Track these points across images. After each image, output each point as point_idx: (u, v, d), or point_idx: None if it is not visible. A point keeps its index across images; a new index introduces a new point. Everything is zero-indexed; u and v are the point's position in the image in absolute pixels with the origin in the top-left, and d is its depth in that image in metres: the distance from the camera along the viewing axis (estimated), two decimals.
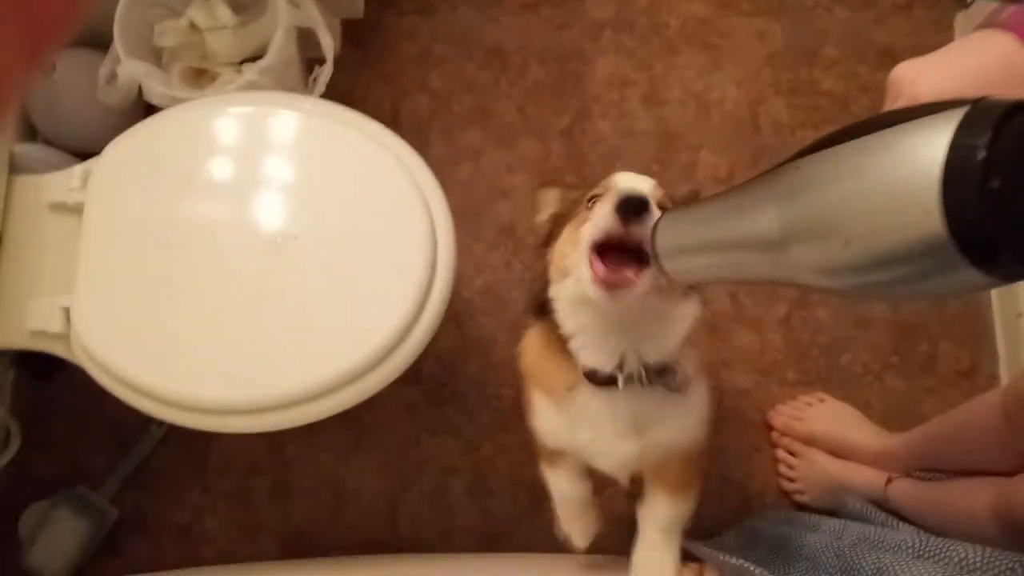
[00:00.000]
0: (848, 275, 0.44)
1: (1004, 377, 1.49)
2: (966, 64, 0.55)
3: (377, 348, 1.01)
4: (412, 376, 1.03)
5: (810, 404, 1.47)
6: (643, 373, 0.84)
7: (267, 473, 1.45)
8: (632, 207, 0.73)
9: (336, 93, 1.48)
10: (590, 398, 0.88)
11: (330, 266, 1.05)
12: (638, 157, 1.65)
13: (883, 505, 1.31)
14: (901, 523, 1.18)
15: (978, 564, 0.84)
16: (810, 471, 1.41)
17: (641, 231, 0.72)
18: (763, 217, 0.48)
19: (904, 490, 1.30)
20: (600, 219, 0.76)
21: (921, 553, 0.89)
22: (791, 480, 1.43)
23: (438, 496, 1.44)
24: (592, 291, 0.76)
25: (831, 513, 1.37)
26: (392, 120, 1.66)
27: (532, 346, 0.95)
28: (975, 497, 1.12)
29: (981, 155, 0.37)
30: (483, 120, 1.68)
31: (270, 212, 1.07)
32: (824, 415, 1.44)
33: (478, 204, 1.61)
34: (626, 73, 1.72)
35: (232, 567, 1.32)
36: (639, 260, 0.73)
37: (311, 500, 1.44)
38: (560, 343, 0.86)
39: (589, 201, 0.84)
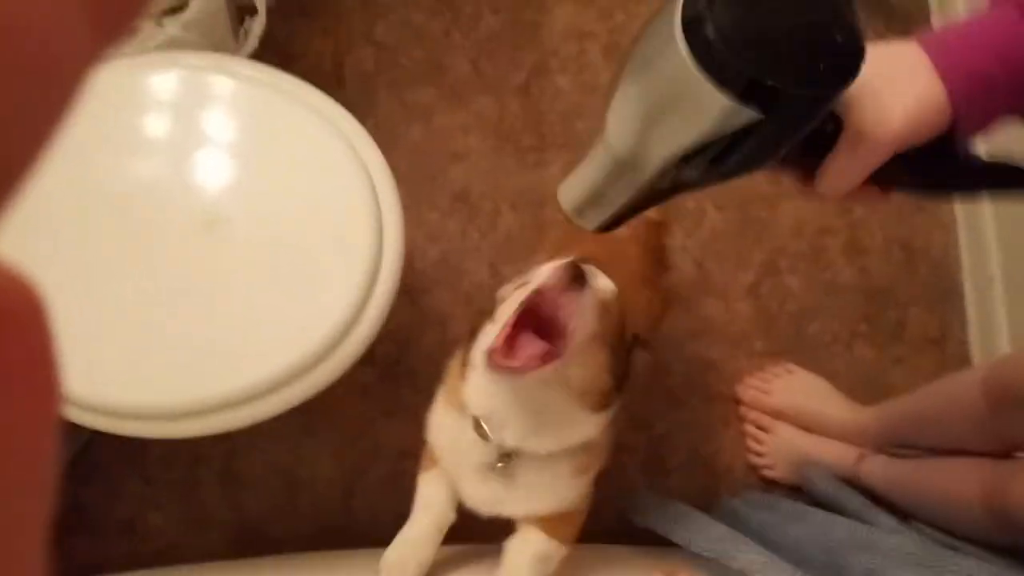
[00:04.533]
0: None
1: (974, 344, 1.47)
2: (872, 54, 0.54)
3: (324, 338, 0.93)
4: (364, 356, 0.96)
5: (778, 376, 1.43)
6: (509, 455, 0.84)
7: (213, 462, 1.36)
8: (577, 273, 0.74)
9: (272, 47, 1.35)
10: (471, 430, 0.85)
11: (269, 252, 0.95)
12: (599, 114, 1.55)
13: (853, 482, 1.29)
14: (877, 509, 1.15)
15: None
16: (779, 446, 1.37)
17: (573, 305, 0.74)
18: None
19: (877, 468, 1.27)
20: (542, 275, 0.75)
21: (921, 561, 0.85)
22: (759, 455, 1.39)
23: (395, 481, 1.36)
24: (482, 362, 0.76)
25: (799, 489, 1.35)
26: (335, 76, 1.53)
27: (458, 357, 0.93)
28: (960, 482, 1.09)
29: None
30: (434, 75, 1.55)
31: (203, 195, 0.95)
32: (793, 387, 1.40)
33: (431, 168, 1.50)
34: (585, 23, 1.61)
35: (181, 569, 1.24)
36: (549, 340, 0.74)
37: (262, 489, 1.35)
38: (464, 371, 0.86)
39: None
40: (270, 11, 1.32)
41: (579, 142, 1.54)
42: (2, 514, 0.15)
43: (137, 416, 0.93)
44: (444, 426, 0.92)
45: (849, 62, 0.46)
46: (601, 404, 0.81)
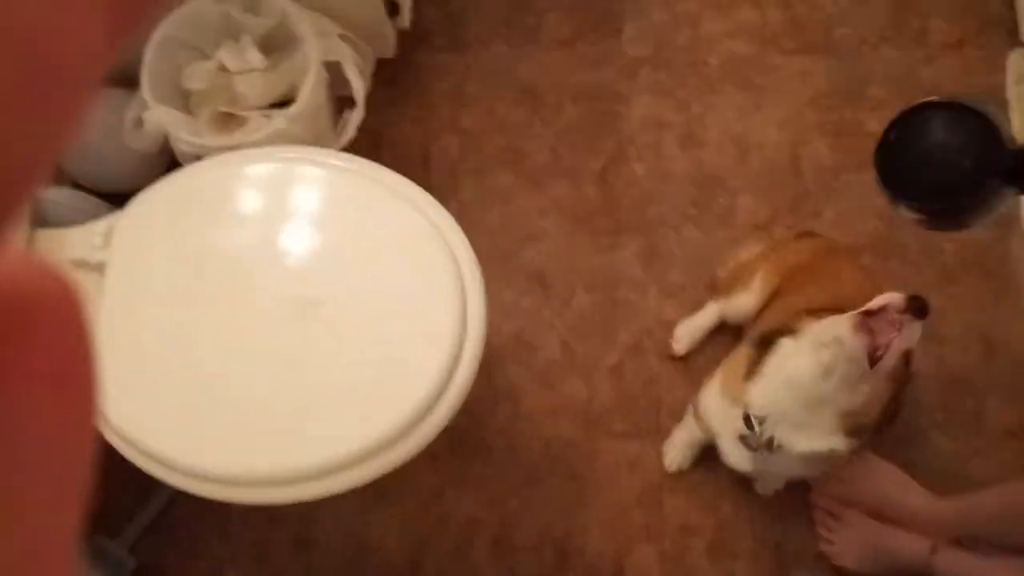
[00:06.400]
0: None
1: None
2: None
3: (405, 418, 0.98)
4: None
5: (852, 462, 1.41)
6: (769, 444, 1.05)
7: (288, 523, 1.42)
8: (921, 306, 0.94)
9: (366, 134, 1.46)
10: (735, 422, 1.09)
11: (356, 333, 1.02)
12: (674, 201, 1.60)
13: (926, 575, 1.26)
14: None
15: None
16: (850, 534, 1.35)
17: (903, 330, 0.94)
18: None
19: (955, 562, 1.24)
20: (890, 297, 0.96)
21: None
22: (830, 543, 1.36)
23: (461, 552, 1.40)
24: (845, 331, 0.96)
25: None
26: (422, 161, 1.64)
27: (741, 359, 1.12)
28: None
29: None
30: (515, 161, 1.64)
31: (296, 277, 1.04)
32: (868, 475, 1.38)
33: (508, 249, 1.57)
34: (663, 113, 1.68)
35: None
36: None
37: (332, 552, 1.40)
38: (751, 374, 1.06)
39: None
40: (366, 101, 1.43)
41: (652, 226, 1.59)
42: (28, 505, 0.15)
43: (221, 481, 0.99)
44: (715, 410, 1.17)
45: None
46: (856, 431, 1.01)
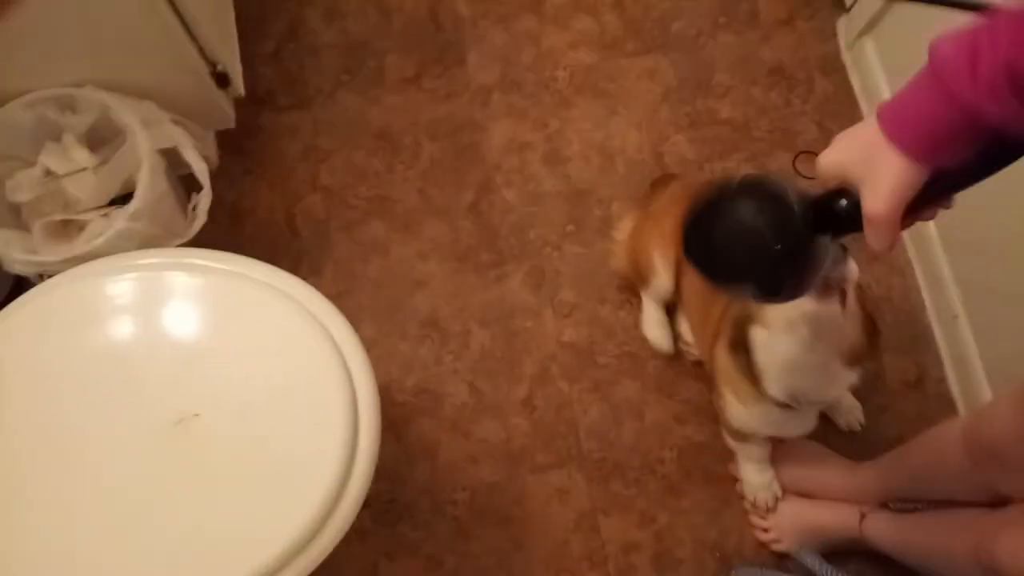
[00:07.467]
0: None
1: (952, 381, 1.48)
2: (849, 145, 0.67)
3: (311, 517, 0.91)
4: None
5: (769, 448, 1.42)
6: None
7: None
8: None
9: (224, 210, 1.39)
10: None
11: (244, 439, 0.94)
12: (551, 221, 1.59)
13: (860, 544, 1.28)
14: None
15: None
16: (782, 518, 1.36)
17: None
18: None
19: (880, 526, 1.27)
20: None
21: None
22: (765, 531, 1.38)
23: None
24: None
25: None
26: (288, 228, 1.57)
27: (727, 368, 1.16)
28: (956, 536, 1.09)
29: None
30: (384, 210, 1.59)
31: (167, 392, 0.96)
32: (786, 456, 1.40)
33: (395, 300, 1.52)
34: (522, 135, 1.66)
35: None
36: None
37: None
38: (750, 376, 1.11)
39: None
40: (215, 174, 1.36)
41: (534, 250, 1.57)
42: None
43: None
44: (752, 422, 1.22)
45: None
46: (858, 359, 1.08)
